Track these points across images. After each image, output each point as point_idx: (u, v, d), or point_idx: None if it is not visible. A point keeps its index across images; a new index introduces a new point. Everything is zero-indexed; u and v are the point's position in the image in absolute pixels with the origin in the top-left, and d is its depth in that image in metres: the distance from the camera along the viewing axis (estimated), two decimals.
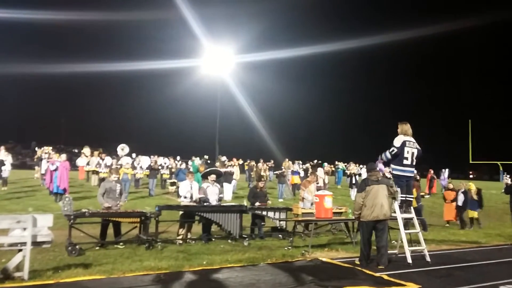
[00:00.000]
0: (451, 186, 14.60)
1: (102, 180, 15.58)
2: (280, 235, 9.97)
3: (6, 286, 5.48)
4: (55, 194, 14.36)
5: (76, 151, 36.79)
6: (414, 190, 10.70)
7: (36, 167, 21.21)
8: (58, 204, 12.85)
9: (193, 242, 9.03)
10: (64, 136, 50.22)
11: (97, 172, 19.07)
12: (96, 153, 20.33)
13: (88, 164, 20.33)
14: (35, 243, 5.99)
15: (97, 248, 8.10)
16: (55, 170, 14.42)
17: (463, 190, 13.51)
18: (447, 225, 13.70)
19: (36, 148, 23.12)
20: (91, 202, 13.21)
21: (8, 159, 17.18)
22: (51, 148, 20.01)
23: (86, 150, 21.30)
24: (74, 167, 22.51)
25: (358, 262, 7.31)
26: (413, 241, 8.80)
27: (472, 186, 13.95)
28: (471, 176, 50.44)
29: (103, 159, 19.08)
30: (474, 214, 13.32)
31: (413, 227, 8.29)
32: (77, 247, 7.51)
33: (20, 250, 5.87)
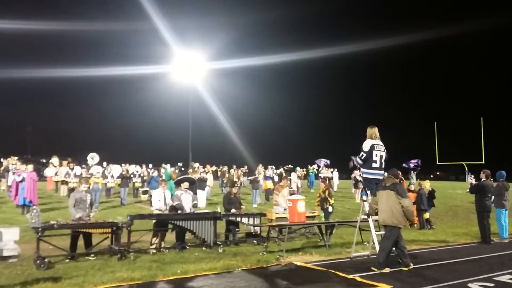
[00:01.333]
0: (412, 187, 14.75)
1: (71, 190, 15.20)
2: (254, 241, 9.99)
3: None
4: (22, 206, 13.89)
5: (44, 161, 35.69)
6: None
7: (2, 179, 20.47)
8: (25, 217, 12.43)
9: (167, 251, 8.93)
10: (31, 146, 48.69)
11: (66, 182, 18.59)
12: (64, 163, 19.83)
13: (56, 174, 19.80)
14: (1, 258, 5.80)
15: (67, 260, 7.89)
16: (21, 181, 13.96)
17: (420, 190, 13.63)
18: (409, 227, 13.81)
19: (2, 159, 22.30)
20: (61, 213, 12.86)
21: None
22: (17, 158, 19.34)
23: (55, 160, 20.77)
24: (42, 177, 21.88)
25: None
26: None
27: (427, 184, 14.06)
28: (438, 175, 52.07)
29: (72, 169, 18.61)
30: (426, 214, 13.37)
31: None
32: (46, 260, 7.28)
33: None
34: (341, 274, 6.85)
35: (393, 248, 7.38)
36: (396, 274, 6.93)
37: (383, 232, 8.46)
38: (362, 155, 7.94)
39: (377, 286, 6.19)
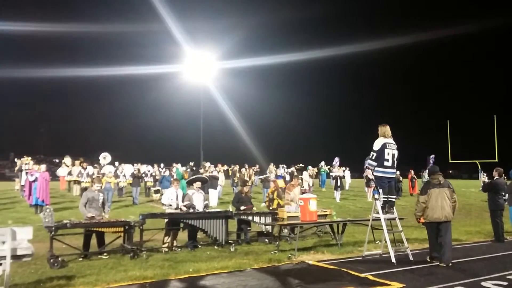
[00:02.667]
0: None
1: (84, 189, 15.33)
2: (266, 240, 9.98)
3: None
4: (35, 206, 14.07)
5: (56, 161, 36.10)
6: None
7: (16, 179, 20.76)
8: (38, 216, 12.59)
9: (179, 249, 8.96)
10: (44, 146, 49.24)
11: (79, 182, 18.78)
12: (77, 162, 20.02)
13: (69, 174, 20.01)
14: (15, 257, 5.85)
15: (80, 259, 7.97)
16: (34, 181, 14.14)
17: None
18: (423, 226, 13.71)
19: (16, 159, 22.62)
20: (73, 212, 13.00)
21: None
22: (30, 158, 19.58)
23: (67, 160, 20.98)
24: (55, 177, 22.13)
25: (429, 259, 7.72)
26: (396, 240, 8.93)
27: None
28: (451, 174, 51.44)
29: (85, 168, 18.81)
30: None
31: (396, 227, 8.41)
32: (59, 259, 7.37)
33: (0, 264, 5.73)
34: (353, 272, 6.81)
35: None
36: (408, 272, 6.87)
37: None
38: (373, 155, 7.88)
39: (390, 284, 6.14)
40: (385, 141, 7.90)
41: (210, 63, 29.56)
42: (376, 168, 7.90)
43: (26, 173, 15.92)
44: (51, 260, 7.28)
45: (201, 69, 29.28)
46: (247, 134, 39.27)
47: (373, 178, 8.06)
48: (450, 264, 7.34)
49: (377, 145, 7.89)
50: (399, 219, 8.36)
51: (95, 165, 20.61)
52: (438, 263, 7.41)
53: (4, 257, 5.70)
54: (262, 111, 52.49)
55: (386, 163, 7.83)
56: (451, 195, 7.72)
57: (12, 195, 19.18)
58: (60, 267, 7.21)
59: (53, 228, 7.70)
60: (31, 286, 5.99)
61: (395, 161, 8.00)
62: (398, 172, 10.30)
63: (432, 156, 24.53)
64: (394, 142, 8.05)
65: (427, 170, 24.25)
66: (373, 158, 7.88)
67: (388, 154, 7.84)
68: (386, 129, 8.02)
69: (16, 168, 20.23)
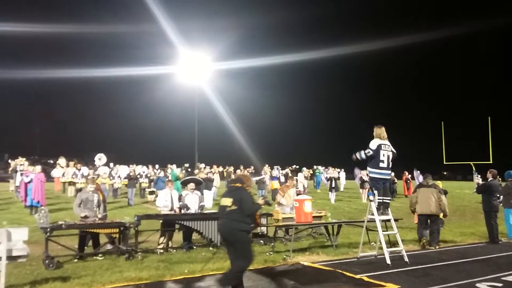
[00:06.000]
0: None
1: (79, 190, 15.29)
2: (261, 241, 9.98)
3: None
4: (30, 207, 14.01)
5: (51, 162, 35.90)
6: None
7: (11, 180, 20.64)
8: (33, 217, 12.53)
9: (174, 251, 8.96)
10: (38, 147, 48.98)
11: (73, 183, 18.73)
12: (71, 163, 19.96)
13: (63, 175, 19.93)
14: (10, 258, 5.83)
15: (76, 260, 7.94)
16: (29, 182, 14.07)
17: None
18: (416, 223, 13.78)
19: (10, 160, 22.48)
20: (68, 213, 12.95)
21: None
22: (25, 159, 19.48)
23: (62, 161, 20.91)
24: (49, 178, 22.03)
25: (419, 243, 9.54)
26: (391, 242, 8.98)
27: (440, 184, 14.04)
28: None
29: (79, 170, 18.75)
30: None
31: (391, 228, 8.45)
32: (54, 260, 7.34)
33: None
34: (348, 274, 6.84)
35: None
36: (404, 274, 6.91)
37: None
38: (369, 152, 7.86)
39: (385, 286, 6.18)
40: (380, 142, 7.92)
41: (204, 64, 29.57)
42: (372, 170, 7.93)
43: (21, 174, 15.83)
44: (47, 261, 7.25)
45: (195, 70, 29.28)
46: (241, 135, 39.30)
47: (368, 180, 8.10)
48: (437, 247, 9.28)
49: (373, 145, 7.91)
50: (394, 220, 8.40)
51: (90, 166, 20.55)
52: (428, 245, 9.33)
53: None
54: (257, 112, 52.58)
55: (381, 164, 7.86)
56: (437, 195, 9.60)
57: (6, 196, 19.07)
58: (55, 268, 7.19)
59: (48, 229, 7.67)
60: (26, 287, 5.95)
61: (390, 163, 8.03)
62: (392, 174, 10.40)
63: (418, 172, 25.56)
64: (389, 144, 8.09)
65: (415, 171, 24.87)
66: (368, 154, 7.85)
67: (384, 155, 7.88)
68: (381, 131, 8.04)
69: (10, 169, 20.14)
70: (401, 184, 24.74)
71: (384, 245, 7.65)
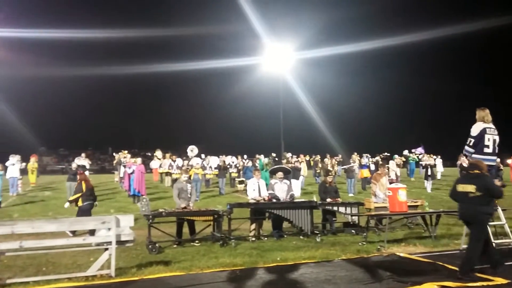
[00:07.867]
0: None
1: (175, 181, 16.24)
2: (353, 231, 9.74)
3: (97, 283, 5.90)
4: (133, 196, 15.23)
5: (149, 154, 38.64)
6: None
7: (115, 172, 22.57)
8: (136, 205, 13.60)
9: (265, 239, 9.11)
10: (138, 140, 52.81)
11: (169, 174, 19.91)
12: (167, 155, 21.22)
13: (160, 166, 21.28)
14: (119, 242, 6.39)
15: (175, 246, 8.46)
16: (132, 173, 15.29)
17: None
18: None
19: (114, 154, 24.57)
20: (166, 202, 13.82)
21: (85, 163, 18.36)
22: (127, 152, 21.15)
23: (158, 153, 22.31)
24: (148, 169, 23.73)
25: None
26: (498, 233, 8.19)
27: None
28: None
29: (174, 161, 19.88)
30: None
31: (498, 219, 7.71)
32: (156, 245, 7.90)
33: (106, 249, 6.30)
34: (450, 266, 6.38)
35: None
36: None
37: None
38: (470, 141, 7.25)
39: (493, 280, 5.66)
40: (484, 126, 7.23)
41: (288, 54, 29.54)
42: (475, 156, 7.27)
43: (124, 166, 17.24)
44: (150, 246, 7.83)
45: (280, 60, 29.38)
46: (326, 124, 38.53)
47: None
48: None
49: (475, 130, 7.25)
50: (502, 210, 7.66)
51: (184, 158, 21.69)
52: None
53: (110, 243, 6.26)
54: (341, 100, 50.92)
55: (486, 150, 7.16)
56: None
57: (112, 186, 20.95)
58: (157, 252, 7.74)
59: (150, 217, 8.26)
60: (133, 270, 6.48)
61: (496, 147, 7.30)
62: (498, 160, 9.42)
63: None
64: (494, 127, 7.35)
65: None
66: (471, 144, 7.25)
67: (489, 139, 7.17)
68: (485, 113, 7.32)
69: (115, 162, 22.01)
70: (507, 171, 22.46)
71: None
